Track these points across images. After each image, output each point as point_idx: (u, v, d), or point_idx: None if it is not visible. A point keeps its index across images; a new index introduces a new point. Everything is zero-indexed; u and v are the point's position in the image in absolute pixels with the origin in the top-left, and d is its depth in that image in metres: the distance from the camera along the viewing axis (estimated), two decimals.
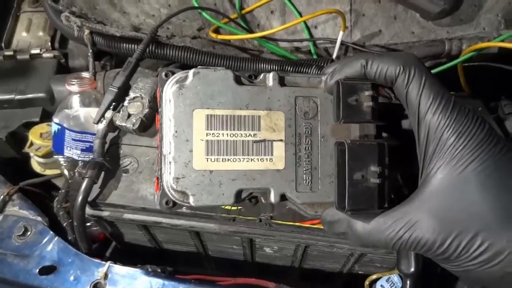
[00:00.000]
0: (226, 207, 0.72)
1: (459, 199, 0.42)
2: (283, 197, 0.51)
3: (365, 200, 0.46)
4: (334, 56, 0.88)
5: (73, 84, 0.82)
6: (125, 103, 0.76)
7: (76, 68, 1.03)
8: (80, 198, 0.72)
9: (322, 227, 0.71)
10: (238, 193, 0.50)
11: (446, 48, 0.85)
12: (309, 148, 0.52)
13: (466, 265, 0.42)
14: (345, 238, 0.50)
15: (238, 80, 0.51)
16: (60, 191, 0.89)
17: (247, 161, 0.50)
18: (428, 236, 0.42)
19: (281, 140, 0.51)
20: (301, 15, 0.93)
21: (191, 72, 0.50)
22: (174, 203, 0.51)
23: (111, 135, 0.77)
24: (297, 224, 0.72)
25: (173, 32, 0.91)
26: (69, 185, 0.88)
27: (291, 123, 0.51)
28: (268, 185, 0.50)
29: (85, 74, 0.87)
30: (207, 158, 0.49)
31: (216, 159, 0.49)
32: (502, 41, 0.81)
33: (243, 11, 0.96)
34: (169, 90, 0.50)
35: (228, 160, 0.50)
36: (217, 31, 0.93)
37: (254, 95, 0.51)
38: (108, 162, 0.75)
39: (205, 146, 0.49)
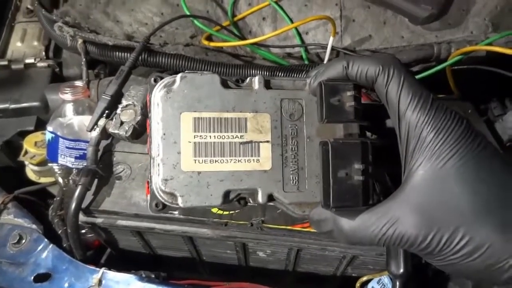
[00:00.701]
0: (218, 212, 0.72)
1: (440, 195, 0.42)
2: (270, 197, 0.51)
3: (350, 198, 0.47)
4: (325, 61, 0.89)
5: (66, 93, 0.83)
6: (118, 110, 0.76)
7: (70, 77, 1.04)
8: (73, 205, 0.72)
9: (312, 230, 0.71)
10: (226, 194, 0.50)
11: (435, 51, 0.86)
12: (295, 149, 0.52)
13: (449, 259, 0.42)
14: (332, 237, 0.50)
15: (224, 84, 0.52)
16: (55, 199, 0.89)
17: (234, 162, 0.51)
18: (410, 232, 0.43)
19: (267, 141, 0.52)
20: (292, 22, 0.94)
21: (178, 76, 0.51)
22: (164, 205, 0.52)
23: (104, 143, 0.78)
24: (288, 227, 0.72)
25: (166, 40, 0.92)
26: (63, 192, 0.88)
27: (277, 125, 0.52)
28: (256, 186, 0.51)
29: (78, 83, 0.88)
30: (195, 160, 0.50)
31: (204, 161, 0.50)
32: (490, 44, 0.82)
33: (235, 18, 0.97)
34: (157, 94, 0.51)
35: (215, 161, 0.50)
36: (209, 38, 0.94)
37: (241, 98, 0.52)
38: (101, 169, 0.75)
39: (193, 148, 0.50)
